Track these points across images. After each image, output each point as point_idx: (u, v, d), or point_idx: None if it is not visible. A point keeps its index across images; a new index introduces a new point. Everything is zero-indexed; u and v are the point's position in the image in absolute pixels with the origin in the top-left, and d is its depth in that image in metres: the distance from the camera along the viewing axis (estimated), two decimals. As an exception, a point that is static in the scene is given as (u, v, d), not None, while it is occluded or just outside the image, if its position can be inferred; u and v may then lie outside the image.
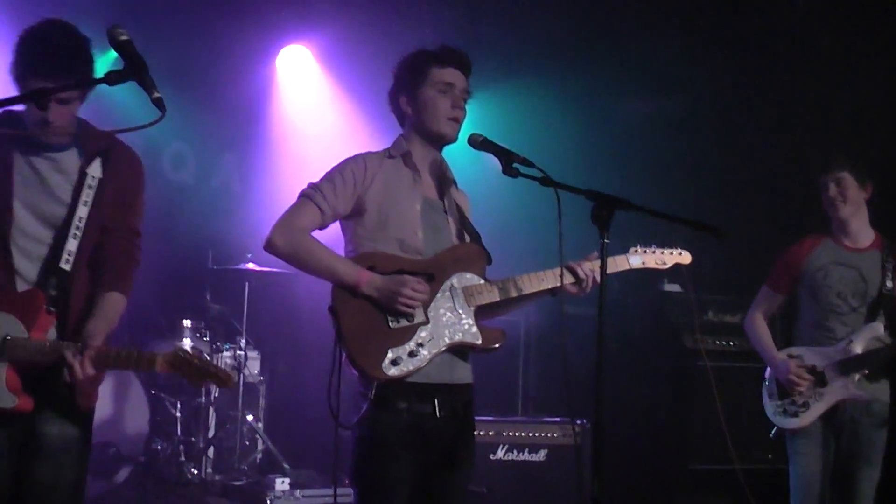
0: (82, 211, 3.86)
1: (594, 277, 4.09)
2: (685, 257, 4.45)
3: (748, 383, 5.77)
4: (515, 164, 3.86)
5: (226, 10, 9.15)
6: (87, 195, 3.88)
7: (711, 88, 9.10)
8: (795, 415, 5.41)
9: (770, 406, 5.57)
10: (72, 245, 3.84)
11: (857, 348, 5.34)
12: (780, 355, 5.54)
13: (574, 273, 4.09)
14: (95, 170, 3.93)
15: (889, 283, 5.41)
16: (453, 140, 4.16)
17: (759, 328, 5.73)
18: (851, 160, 5.51)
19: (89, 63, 3.81)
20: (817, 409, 5.37)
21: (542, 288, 4.08)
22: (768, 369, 5.64)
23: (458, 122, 4.11)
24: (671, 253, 4.42)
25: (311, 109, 10.19)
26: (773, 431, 5.57)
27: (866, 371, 5.33)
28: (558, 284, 4.06)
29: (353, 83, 10.04)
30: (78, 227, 3.85)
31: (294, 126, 10.14)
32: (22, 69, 3.72)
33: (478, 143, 4.00)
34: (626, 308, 8.30)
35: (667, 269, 4.43)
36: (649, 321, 8.36)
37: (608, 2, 8.97)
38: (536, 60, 9.38)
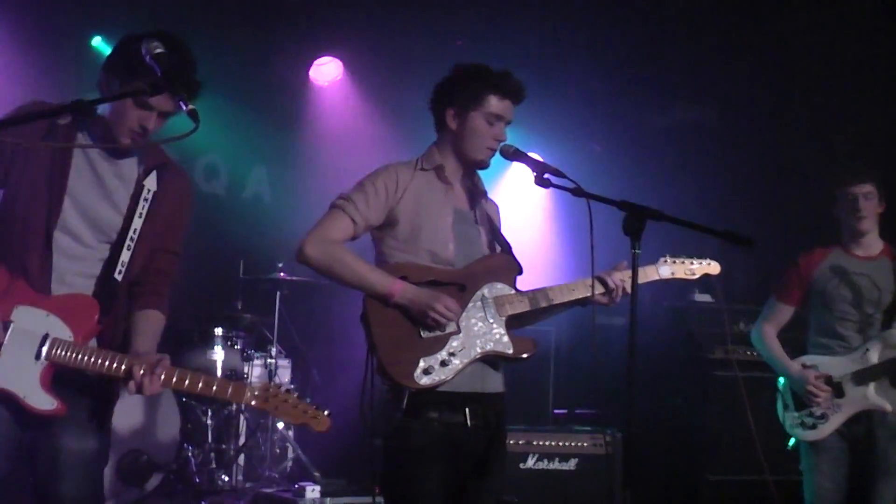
0: (137, 223, 3.81)
1: (624, 288, 4.08)
2: (714, 268, 4.46)
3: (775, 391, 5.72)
4: (547, 175, 3.88)
5: (259, 22, 9.21)
6: (143, 207, 3.82)
7: (743, 98, 9.09)
8: (814, 426, 5.36)
9: (787, 418, 5.51)
10: (125, 256, 3.79)
11: (874, 357, 5.29)
12: (795, 366, 5.49)
13: (604, 283, 4.09)
14: (152, 182, 3.88)
15: None
16: (486, 167, 4.19)
17: (770, 340, 5.67)
18: (877, 174, 5.49)
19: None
20: (836, 420, 5.31)
21: (572, 298, 4.09)
22: (781, 380, 5.60)
23: (494, 150, 4.11)
24: (700, 263, 4.43)
25: (343, 121, 10.23)
26: (791, 443, 5.53)
27: (885, 380, 5.28)
28: (588, 294, 4.06)
29: (384, 95, 10.08)
30: (132, 239, 3.81)
31: (325, 137, 10.18)
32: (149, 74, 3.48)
33: (510, 153, 4.03)
34: (656, 318, 8.27)
35: (696, 280, 4.44)
36: (680, 331, 8.33)
37: (640, 12, 8.94)
38: (567, 71, 9.38)
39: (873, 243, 5.53)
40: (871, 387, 5.27)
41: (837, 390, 5.32)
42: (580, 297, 4.09)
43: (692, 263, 4.41)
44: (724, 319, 7.65)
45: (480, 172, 4.28)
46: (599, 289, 4.09)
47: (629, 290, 3.91)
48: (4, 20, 8.36)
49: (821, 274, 5.51)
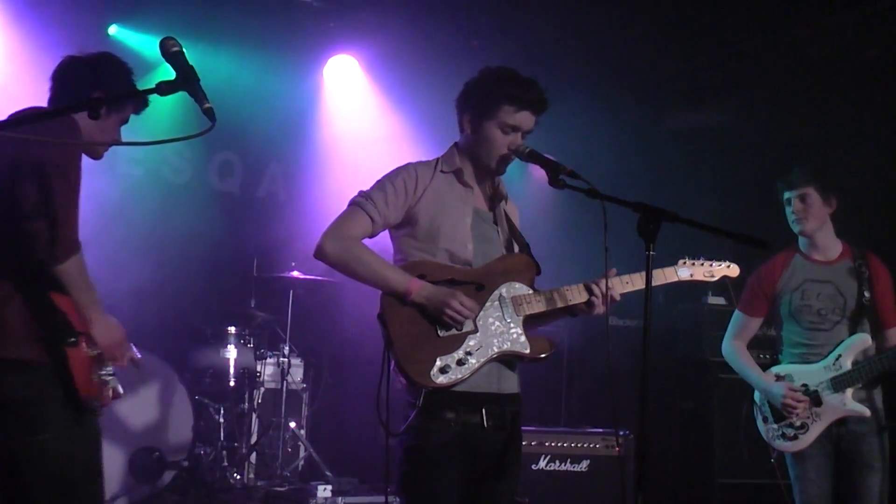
0: None
1: (612, 296, 4.07)
2: (733, 270, 4.45)
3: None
4: (562, 176, 3.87)
5: (275, 20, 9.22)
6: None
7: (758, 101, 9.07)
8: (795, 437, 5.32)
9: (767, 430, 5.47)
10: None
11: (847, 363, 5.26)
12: (769, 378, 5.46)
13: (589, 290, 4.07)
14: None
15: (867, 293, 5.35)
16: (500, 174, 4.19)
17: (741, 354, 5.64)
18: (816, 175, 5.46)
19: None
20: (816, 429, 5.28)
21: (584, 299, 4.08)
22: (756, 393, 5.57)
23: (508, 159, 4.10)
24: (719, 265, 4.41)
25: (358, 119, 10.24)
26: (773, 455, 5.50)
27: (860, 384, 5.26)
28: (575, 301, 4.06)
29: (399, 93, 10.09)
30: None
31: (340, 136, 10.19)
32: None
33: (525, 154, 4.02)
34: (668, 319, 8.27)
35: (714, 282, 4.43)
36: (692, 333, 8.33)
37: (655, 14, 8.94)
38: (583, 73, 9.38)
39: (830, 246, 5.51)
40: (849, 393, 5.25)
41: (815, 399, 5.29)
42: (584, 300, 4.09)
43: (711, 265, 4.39)
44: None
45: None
46: (586, 295, 4.08)
47: (616, 297, 4.00)
48: (22, 11, 8.39)
49: (784, 284, 5.49)
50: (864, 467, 5.24)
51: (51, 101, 4.01)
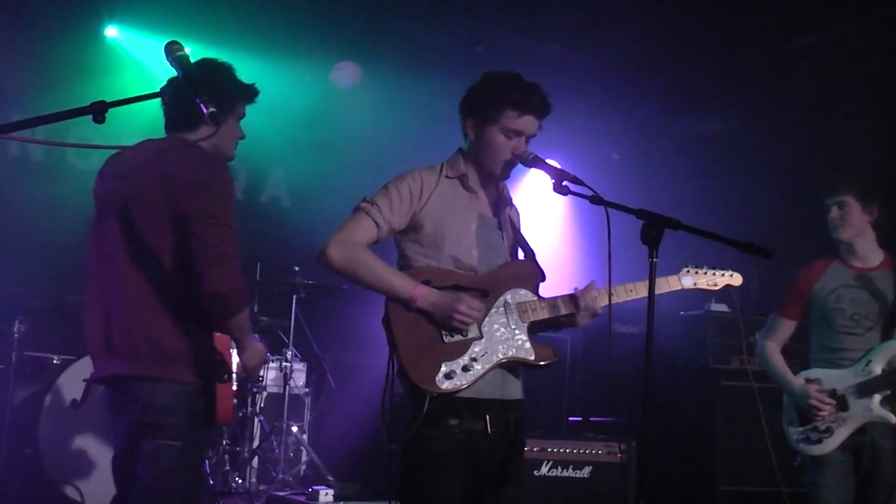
0: None
1: (594, 309, 4.05)
2: (736, 279, 4.44)
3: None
4: (566, 182, 3.87)
5: (280, 25, 9.23)
6: None
7: (765, 108, 9.07)
8: (819, 441, 5.29)
9: (792, 433, 5.46)
10: None
11: (877, 369, 5.24)
12: (797, 381, 5.44)
13: (575, 302, 4.05)
14: None
15: None
16: (505, 179, 4.18)
17: (773, 356, 5.62)
18: (856, 183, 5.44)
19: None
20: (841, 434, 5.25)
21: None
22: (785, 396, 5.56)
23: (512, 164, 4.08)
24: (723, 274, 4.41)
25: (362, 125, 10.24)
26: (797, 459, 5.49)
27: (888, 392, 5.25)
28: (564, 313, 4.06)
29: (403, 100, 10.09)
30: None
31: (344, 142, 10.20)
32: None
33: (528, 160, 4.02)
34: (671, 326, 8.27)
35: (717, 291, 4.43)
36: (695, 341, 8.32)
37: (661, 19, 8.94)
38: (587, 78, 9.39)
39: (870, 254, 5.47)
40: (876, 399, 5.23)
41: (841, 404, 5.28)
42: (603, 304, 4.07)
43: (714, 274, 4.39)
44: (739, 330, 7.64)
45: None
46: (572, 307, 4.07)
47: (598, 310, 4.00)
48: (19, 10, 8.41)
49: (820, 288, 5.47)
50: (885, 482, 5.20)
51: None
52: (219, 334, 3.94)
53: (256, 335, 8.50)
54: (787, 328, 5.64)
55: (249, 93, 4.37)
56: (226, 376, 3.90)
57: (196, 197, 3.81)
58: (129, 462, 3.87)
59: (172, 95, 3.85)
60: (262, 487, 8.03)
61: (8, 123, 2.72)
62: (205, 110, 3.19)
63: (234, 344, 4.04)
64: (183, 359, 3.81)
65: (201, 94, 3.19)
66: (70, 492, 6.62)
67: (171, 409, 3.79)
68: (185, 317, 3.83)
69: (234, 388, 4.07)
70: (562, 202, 9.05)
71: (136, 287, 3.85)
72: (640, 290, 4.11)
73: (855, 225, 5.41)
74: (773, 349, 5.64)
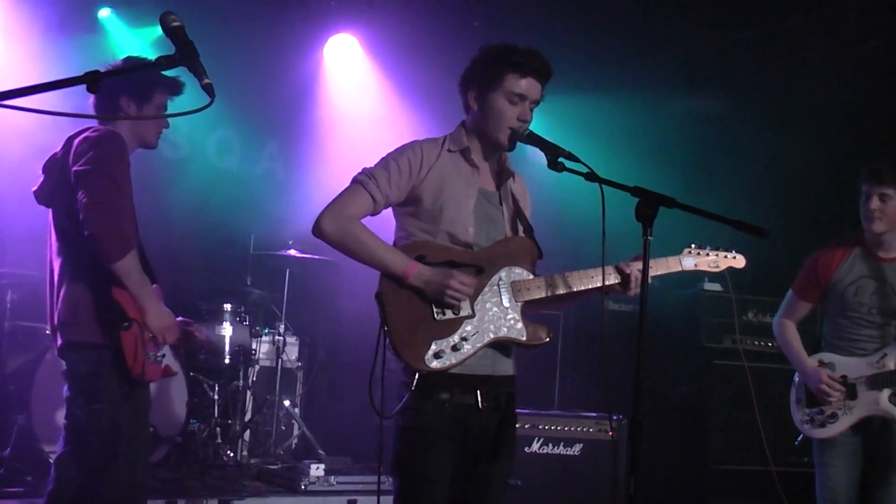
0: None
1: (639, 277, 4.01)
2: (739, 261, 4.32)
3: (785, 385, 5.68)
4: (561, 159, 3.85)
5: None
6: None
7: (761, 87, 9.05)
8: (823, 425, 5.30)
9: (798, 413, 5.46)
10: None
11: (891, 363, 5.22)
12: (811, 362, 5.42)
13: (621, 273, 4.01)
14: None
15: None
16: (510, 150, 4.10)
17: (789, 334, 5.58)
18: None
19: None
20: (845, 421, 5.25)
21: (591, 286, 4.01)
22: (797, 374, 5.54)
23: (518, 131, 4.01)
24: (725, 256, 4.30)
25: (357, 98, 10.24)
26: (798, 438, 5.49)
27: None
28: (607, 283, 3.99)
29: (399, 72, 10.07)
30: None
31: (339, 114, 10.19)
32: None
33: (523, 136, 3.99)
34: (664, 305, 8.27)
35: (719, 273, 4.32)
36: (688, 319, 8.34)
37: (653, 2, 8.92)
38: (582, 56, 9.35)
39: (895, 245, 5.41)
40: (885, 393, 5.21)
41: (851, 392, 5.27)
42: (598, 285, 4.00)
43: (717, 256, 4.27)
44: (732, 309, 7.65)
45: None
46: (617, 278, 4.01)
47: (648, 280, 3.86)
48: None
49: (840, 275, 5.40)
50: (893, 467, 5.21)
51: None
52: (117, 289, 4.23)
53: (251, 308, 8.57)
54: (803, 308, 5.59)
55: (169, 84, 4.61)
56: (125, 323, 4.18)
57: (81, 156, 4.25)
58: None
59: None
60: (253, 461, 8.04)
61: (5, 91, 2.71)
62: None
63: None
64: (92, 318, 4.26)
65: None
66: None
67: (90, 373, 4.27)
68: (92, 278, 4.26)
69: (146, 338, 4.33)
70: (556, 178, 9.03)
71: (66, 259, 4.36)
72: (655, 268, 4.08)
73: (892, 218, 5.31)
74: (789, 327, 5.59)
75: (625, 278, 4.00)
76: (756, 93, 9.15)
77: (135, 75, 4.44)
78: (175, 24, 2.95)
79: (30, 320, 7.20)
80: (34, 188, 4.53)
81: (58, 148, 4.46)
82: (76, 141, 4.35)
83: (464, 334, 3.83)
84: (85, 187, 4.18)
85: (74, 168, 4.24)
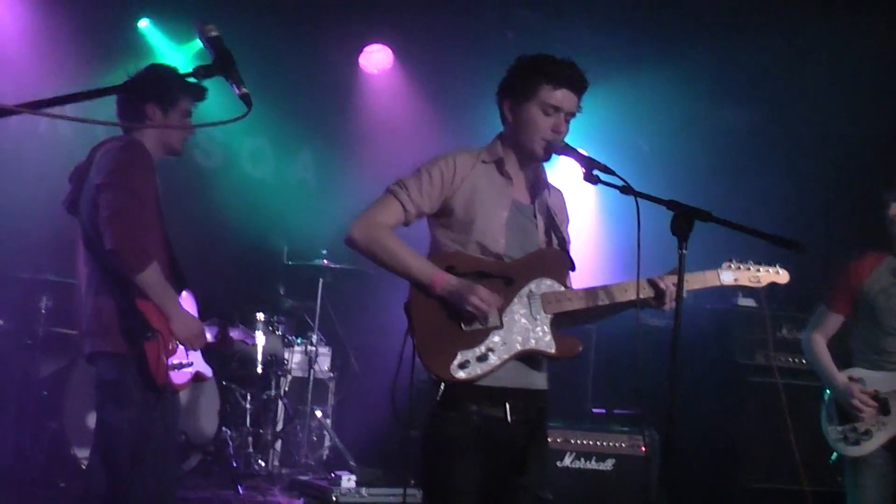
0: None
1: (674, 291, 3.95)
2: (783, 276, 4.17)
3: (819, 403, 5.60)
4: (596, 172, 3.82)
5: (310, 8, 9.23)
6: None
7: (797, 100, 8.99)
8: (857, 442, 5.21)
9: (830, 431, 5.36)
10: None
11: None
12: (842, 378, 5.32)
13: (655, 287, 3.94)
14: None
15: None
16: (545, 161, 4.07)
17: (819, 349, 5.48)
18: None
19: None
20: (880, 437, 5.15)
21: (623, 299, 3.95)
22: (827, 391, 5.46)
23: (552, 142, 3.98)
24: (767, 271, 4.15)
25: (391, 109, 10.25)
26: (833, 456, 5.41)
27: None
28: (640, 297, 3.92)
29: (433, 84, 10.08)
30: None
31: (373, 124, 10.21)
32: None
33: (559, 148, 3.97)
34: (697, 321, 8.21)
35: (761, 288, 4.17)
36: (720, 335, 8.26)
37: (694, 9, 8.87)
38: (618, 67, 9.33)
39: None
40: None
41: (884, 407, 5.19)
42: (631, 298, 3.93)
43: (758, 270, 4.13)
44: (765, 325, 7.58)
45: None
46: (651, 292, 3.95)
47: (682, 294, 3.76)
48: (53, 5, 8.45)
49: (871, 284, 5.33)
50: None
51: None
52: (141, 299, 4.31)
53: (283, 317, 8.58)
54: (834, 321, 5.49)
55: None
56: (149, 334, 4.27)
57: (102, 167, 4.32)
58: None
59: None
60: (284, 471, 8.06)
61: (40, 100, 2.72)
62: None
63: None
64: (117, 328, 4.32)
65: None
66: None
67: (116, 382, 4.34)
68: (118, 288, 4.32)
69: (171, 347, 4.40)
70: (591, 192, 9.01)
71: (92, 269, 4.42)
72: (692, 282, 4.00)
73: None
74: (819, 342, 5.49)
75: (659, 292, 3.95)
76: (791, 104, 9.08)
77: (160, 82, 4.54)
78: (212, 33, 2.96)
79: (63, 326, 7.26)
80: (63, 198, 4.61)
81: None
82: (98, 152, 4.41)
83: (490, 345, 3.80)
84: (105, 200, 4.24)
85: (96, 181, 4.30)
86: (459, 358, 3.76)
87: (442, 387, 3.76)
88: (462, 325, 3.81)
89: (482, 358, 3.78)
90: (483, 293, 3.77)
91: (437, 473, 3.85)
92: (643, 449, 6.71)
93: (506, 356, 3.81)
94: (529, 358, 3.90)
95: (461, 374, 3.75)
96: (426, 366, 3.77)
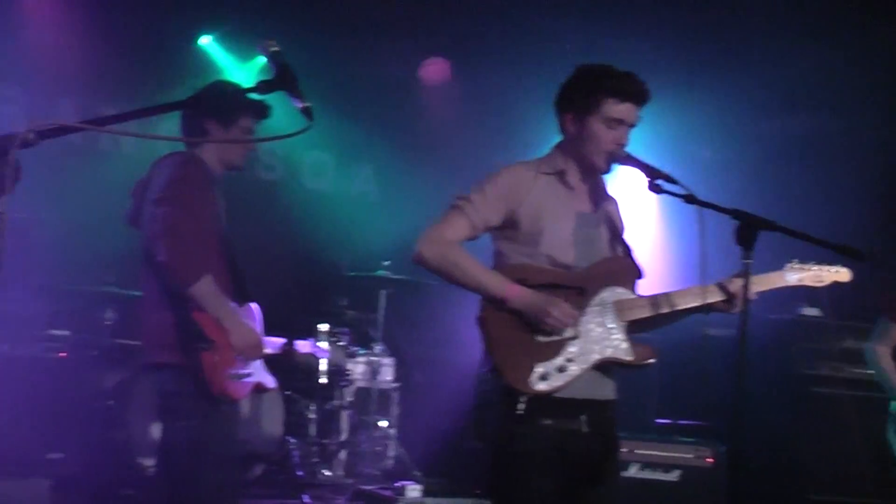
0: None
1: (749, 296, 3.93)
2: (844, 275, 4.20)
3: (885, 415, 5.52)
4: (659, 181, 3.81)
5: (370, 22, 9.28)
6: None
7: (860, 107, 8.88)
8: None
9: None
10: None
11: None
12: None
13: (725, 290, 3.97)
14: None
15: None
16: (607, 172, 4.08)
17: (883, 361, 5.43)
18: None
19: None
20: None
21: (694, 304, 3.97)
22: (892, 404, 5.39)
23: (615, 155, 3.99)
24: (829, 270, 4.19)
25: (450, 122, 10.27)
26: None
27: None
28: (711, 301, 3.95)
29: (492, 97, 10.09)
30: None
31: (432, 137, 10.23)
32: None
33: (621, 157, 3.96)
34: (761, 331, 8.12)
35: (823, 287, 4.20)
36: (785, 346, 8.17)
37: (755, 17, 8.80)
38: (678, 76, 9.28)
39: None
40: None
41: None
42: (701, 303, 3.96)
43: (821, 270, 4.18)
44: (830, 335, 7.49)
45: None
46: (720, 295, 3.97)
47: (751, 296, 3.74)
48: (115, 17, 8.57)
49: None
50: None
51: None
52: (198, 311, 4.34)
53: (346, 328, 8.61)
54: (895, 331, 5.45)
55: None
56: (204, 344, 4.27)
57: (160, 183, 4.36)
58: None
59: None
60: (349, 481, 8.08)
61: (104, 117, 2.79)
62: None
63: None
64: (174, 340, 4.33)
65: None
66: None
67: (174, 392, 4.36)
68: (175, 300, 4.35)
69: (229, 358, 4.40)
70: (653, 200, 8.98)
71: (149, 282, 4.46)
72: (754, 285, 3.93)
73: None
74: (883, 353, 5.45)
75: (729, 295, 3.96)
76: (858, 110, 8.98)
77: (220, 99, 4.59)
78: (273, 48, 2.99)
79: (127, 338, 7.36)
80: (126, 212, 4.68)
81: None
82: (157, 167, 4.48)
83: (569, 356, 3.80)
84: (159, 214, 4.29)
85: (152, 196, 4.36)
86: (540, 370, 3.75)
87: (522, 400, 3.74)
88: (537, 337, 3.81)
89: (562, 369, 3.78)
90: (564, 306, 3.77)
91: (512, 488, 3.82)
92: (710, 460, 6.65)
93: (584, 366, 3.81)
94: (601, 368, 3.89)
95: (542, 386, 3.74)
96: (505, 378, 3.76)
